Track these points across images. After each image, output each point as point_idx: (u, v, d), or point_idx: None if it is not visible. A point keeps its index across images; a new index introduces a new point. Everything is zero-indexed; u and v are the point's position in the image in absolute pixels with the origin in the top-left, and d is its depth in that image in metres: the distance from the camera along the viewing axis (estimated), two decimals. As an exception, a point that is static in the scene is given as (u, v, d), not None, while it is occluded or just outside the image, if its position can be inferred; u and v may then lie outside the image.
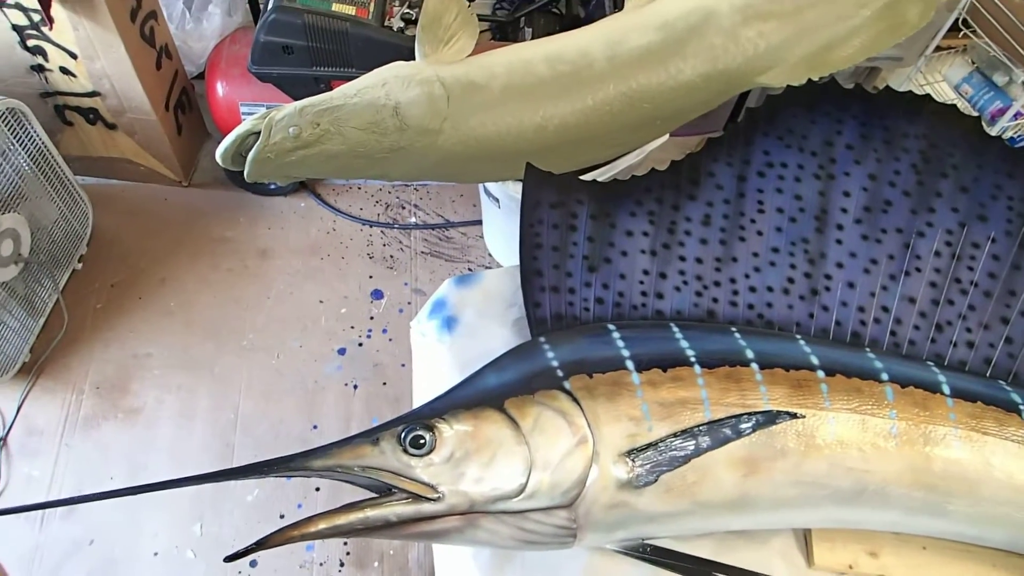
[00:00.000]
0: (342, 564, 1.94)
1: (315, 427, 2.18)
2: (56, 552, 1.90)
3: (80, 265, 2.41)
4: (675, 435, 0.95)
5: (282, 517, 1.99)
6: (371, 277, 2.54)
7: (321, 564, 1.94)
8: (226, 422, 2.16)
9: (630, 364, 1.00)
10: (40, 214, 2.16)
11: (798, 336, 1.09)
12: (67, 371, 2.21)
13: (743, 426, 0.95)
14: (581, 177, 1.18)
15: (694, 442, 0.94)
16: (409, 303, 2.48)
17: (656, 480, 0.93)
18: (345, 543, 1.98)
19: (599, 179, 1.19)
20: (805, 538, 1.08)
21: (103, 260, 2.46)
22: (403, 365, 2.31)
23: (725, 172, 1.18)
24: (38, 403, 2.14)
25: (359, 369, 2.32)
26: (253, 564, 1.93)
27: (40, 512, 1.95)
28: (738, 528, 1.05)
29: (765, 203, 1.16)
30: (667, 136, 1.87)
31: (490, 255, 2.63)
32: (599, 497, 0.93)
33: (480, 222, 2.69)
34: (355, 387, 2.27)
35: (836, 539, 1.07)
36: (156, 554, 1.91)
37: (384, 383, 2.29)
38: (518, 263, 1.14)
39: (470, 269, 2.59)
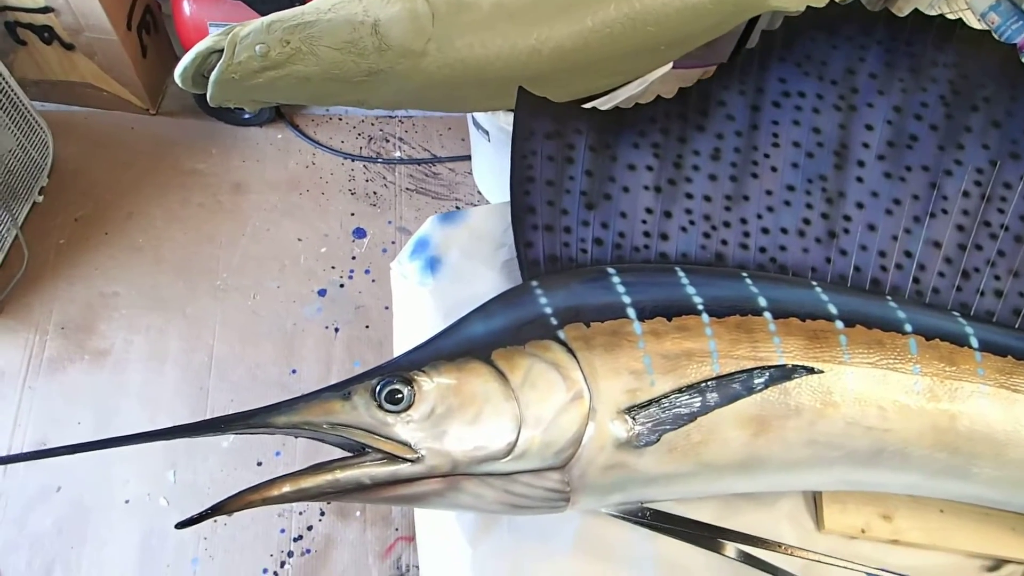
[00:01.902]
0: (323, 513, 1.88)
1: (294, 371, 2.09)
2: (21, 499, 1.82)
3: (41, 198, 2.27)
4: (680, 391, 0.86)
5: (259, 464, 1.91)
6: (353, 214, 2.42)
7: (301, 513, 1.87)
8: (199, 365, 2.06)
9: (631, 312, 0.91)
10: (-7, 142, 2.02)
11: (814, 283, 1.01)
12: (29, 310, 2.09)
13: (755, 381, 0.87)
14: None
15: (701, 398, 0.86)
16: (393, 242, 2.37)
17: (658, 439, 0.85)
18: (325, 490, 1.91)
19: (599, 107, 1.08)
20: (815, 500, 1.02)
21: (66, 193, 2.31)
22: (387, 308, 2.22)
23: (737, 101, 1.08)
24: (-1, 344, 2.04)
25: (340, 311, 2.22)
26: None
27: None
28: (745, 491, 0.98)
29: (780, 136, 1.07)
30: (670, 66, 1.75)
31: (479, 192, 2.51)
32: (595, 458, 0.85)
33: (469, 157, 2.56)
34: (336, 330, 2.18)
35: (848, 501, 1.00)
36: (127, 502, 1.83)
37: (367, 326, 2.19)
38: (508, 199, 1.03)
39: (458, 207, 2.47)
